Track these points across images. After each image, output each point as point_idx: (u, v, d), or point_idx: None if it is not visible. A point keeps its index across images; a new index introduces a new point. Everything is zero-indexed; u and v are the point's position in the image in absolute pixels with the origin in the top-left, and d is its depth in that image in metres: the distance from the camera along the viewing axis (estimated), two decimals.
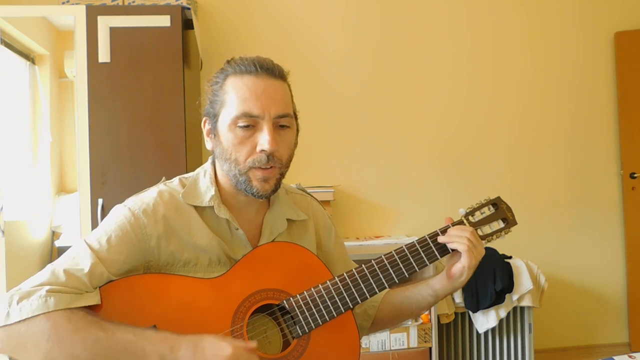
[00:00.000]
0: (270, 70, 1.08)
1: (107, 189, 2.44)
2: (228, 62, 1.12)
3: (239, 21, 3.18)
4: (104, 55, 2.46)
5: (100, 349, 0.90)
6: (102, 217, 2.40)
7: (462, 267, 1.11)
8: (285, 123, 1.08)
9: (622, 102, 3.46)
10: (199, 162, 2.87)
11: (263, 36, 3.19)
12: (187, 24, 2.64)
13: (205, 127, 1.13)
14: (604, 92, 3.49)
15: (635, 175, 3.41)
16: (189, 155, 2.55)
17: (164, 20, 2.50)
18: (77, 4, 2.60)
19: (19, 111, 2.67)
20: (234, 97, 1.06)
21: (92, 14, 2.46)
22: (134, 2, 2.67)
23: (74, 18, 2.46)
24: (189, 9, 2.58)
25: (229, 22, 3.17)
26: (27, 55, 2.67)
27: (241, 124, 1.05)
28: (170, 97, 2.50)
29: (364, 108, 3.27)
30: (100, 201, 2.43)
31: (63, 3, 2.66)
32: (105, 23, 2.47)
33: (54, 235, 2.70)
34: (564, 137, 3.45)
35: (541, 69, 3.44)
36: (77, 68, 2.46)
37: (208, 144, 1.13)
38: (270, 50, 3.14)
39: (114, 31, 2.47)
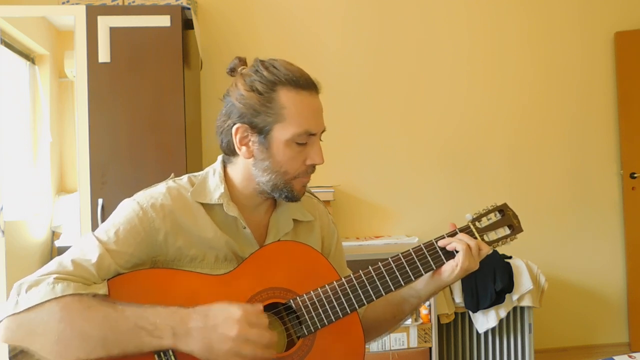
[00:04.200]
0: (316, 86, 1.11)
1: (107, 189, 2.44)
2: (265, 66, 1.08)
3: (239, 21, 3.18)
4: (104, 55, 2.46)
5: (111, 326, 0.91)
6: (102, 217, 2.40)
7: (455, 264, 1.11)
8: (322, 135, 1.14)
9: (622, 102, 3.46)
10: (199, 162, 2.87)
11: (263, 36, 3.19)
12: (187, 24, 2.63)
13: (239, 134, 1.08)
14: (604, 92, 3.49)
15: (635, 175, 3.41)
16: (189, 155, 2.55)
17: (164, 20, 2.50)
18: (77, 4, 2.60)
19: (19, 111, 2.67)
20: (294, 114, 1.06)
21: (92, 14, 2.46)
22: (134, 2, 2.67)
23: (74, 18, 2.46)
24: (189, 9, 2.57)
25: (229, 22, 3.17)
26: (27, 55, 2.67)
27: (300, 141, 1.07)
28: (170, 97, 2.50)
29: (364, 108, 3.27)
30: (100, 201, 2.42)
31: (63, 3, 2.66)
32: (105, 23, 2.46)
33: (54, 235, 2.70)
34: (564, 137, 3.45)
35: (541, 69, 3.44)
36: (77, 68, 2.46)
37: (242, 151, 1.09)
38: (270, 50, 3.14)
39: (114, 31, 2.47)
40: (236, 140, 1.09)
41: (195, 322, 0.93)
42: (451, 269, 1.12)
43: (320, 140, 1.13)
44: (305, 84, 1.08)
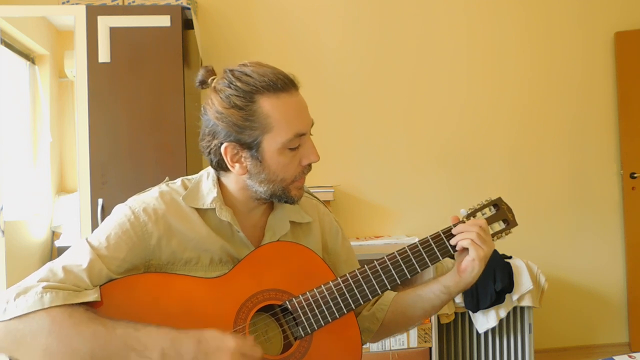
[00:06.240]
0: (293, 82, 1.07)
1: (107, 189, 2.44)
2: (237, 77, 1.04)
3: (239, 21, 3.18)
4: (104, 55, 2.46)
5: (100, 344, 0.90)
6: (102, 217, 2.40)
7: (471, 259, 1.09)
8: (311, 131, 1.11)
9: (622, 102, 3.46)
10: (199, 162, 2.87)
11: (263, 36, 3.19)
12: (187, 24, 2.63)
13: (229, 152, 1.05)
14: (604, 92, 3.49)
15: (635, 175, 3.41)
16: (189, 155, 2.55)
17: (164, 20, 2.50)
18: (77, 4, 2.60)
19: (19, 111, 2.67)
20: (280, 120, 1.03)
21: (92, 14, 2.46)
22: (134, 2, 2.67)
23: (74, 18, 2.46)
24: (189, 9, 2.57)
25: (229, 22, 3.17)
26: (27, 55, 2.67)
27: (292, 145, 1.05)
28: (170, 97, 2.50)
29: (364, 108, 3.27)
30: (100, 201, 2.42)
31: (63, 3, 2.66)
32: (105, 23, 2.46)
33: (54, 235, 2.70)
34: (564, 137, 3.45)
35: (541, 69, 3.44)
36: (77, 68, 2.46)
37: (236, 169, 1.06)
38: (271, 50, 3.15)
39: (114, 31, 2.47)
40: (227, 159, 1.06)
41: (187, 346, 0.92)
42: (470, 265, 1.09)
43: (311, 134, 1.10)
44: (282, 85, 1.04)
